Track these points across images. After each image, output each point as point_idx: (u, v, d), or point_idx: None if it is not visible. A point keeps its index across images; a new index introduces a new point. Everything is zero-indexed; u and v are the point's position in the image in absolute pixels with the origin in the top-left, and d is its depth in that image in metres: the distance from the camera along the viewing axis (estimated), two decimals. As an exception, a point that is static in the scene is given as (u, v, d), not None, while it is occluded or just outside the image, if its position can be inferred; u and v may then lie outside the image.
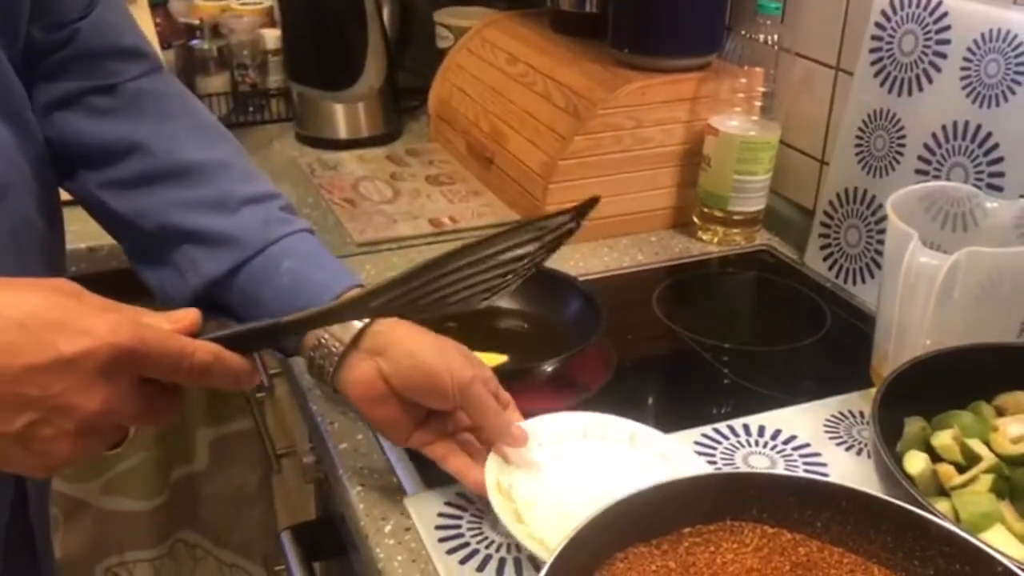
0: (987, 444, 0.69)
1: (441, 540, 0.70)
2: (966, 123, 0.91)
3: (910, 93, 0.97)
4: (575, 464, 0.73)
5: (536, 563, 0.66)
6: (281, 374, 1.19)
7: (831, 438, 0.82)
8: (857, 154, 1.04)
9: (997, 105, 0.88)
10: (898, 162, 0.99)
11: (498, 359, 0.89)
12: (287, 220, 0.74)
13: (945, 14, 0.92)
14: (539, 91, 1.23)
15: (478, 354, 0.90)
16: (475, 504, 0.73)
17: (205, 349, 0.53)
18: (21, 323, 0.44)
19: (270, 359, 1.23)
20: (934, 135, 0.94)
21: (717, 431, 0.82)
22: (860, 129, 1.03)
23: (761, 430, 0.83)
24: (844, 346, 0.98)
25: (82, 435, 0.47)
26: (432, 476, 0.77)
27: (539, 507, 0.68)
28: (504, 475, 0.70)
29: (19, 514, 0.72)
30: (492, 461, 0.70)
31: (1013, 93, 0.86)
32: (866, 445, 0.81)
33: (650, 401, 0.92)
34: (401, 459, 0.79)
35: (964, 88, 0.91)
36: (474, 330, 0.92)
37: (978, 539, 0.54)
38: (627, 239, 1.19)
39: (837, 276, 1.09)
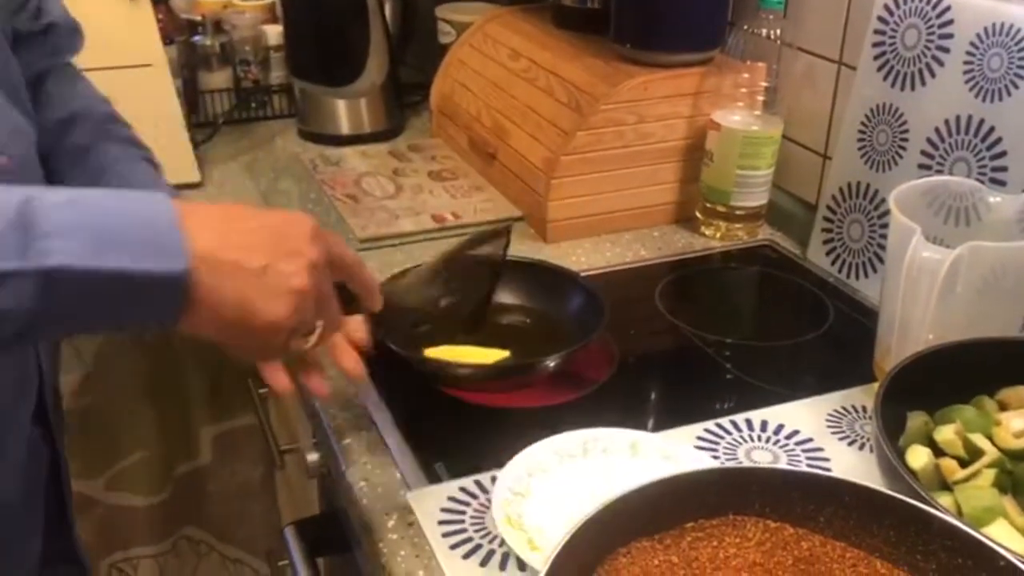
0: (990, 438, 0.69)
1: (445, 535, 0.70)
2: (969, 117, 0.91)
3: (913, 87, 0.96)
4: (580, 483, 0.73)
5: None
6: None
7: (834, 433, 0.82)
8: (860, 149, 1.04)
9: (1000, 99, 0.88)
10: (901, 157, 0.98)
11: (500, 354, 0.89)
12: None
13: (948, 8, 0.92)
14: (541, 86, 1.23)
15: (482, 350, 0.91)
16: (478, 499, 0.73)
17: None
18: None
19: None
20: (937, 129, 0.94)
21: (720, 426, 0.82)
22: (863, 124, 1.03)
23: (764, 425, 0.83)
24: (846, 341, 0.98)
25: (306, 275, 0.58)
26: (435, 471, 0.77)
27: (550, 532, 0.68)
28: (513, 507, 0.70)
29: (55, 483, 0.82)
30: (498, 496, 0.70)
31: (1016, 87, 0.86)
32: (868, 440, 0.81)
33: (652, 397, 0.92)
34: (404, 454, 0.79)
35: (967, 82, 0.91)
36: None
37: (981, 533, 0.54)
38: (629, 234, 1.19)
39: (840, 271, 1.09)
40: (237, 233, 0.57)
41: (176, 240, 0.52)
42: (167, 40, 1.49)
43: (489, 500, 0.72)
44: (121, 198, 0.53)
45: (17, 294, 0.48)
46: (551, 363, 0.87)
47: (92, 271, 0.49)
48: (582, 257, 1.13)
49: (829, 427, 0.83)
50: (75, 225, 0.50)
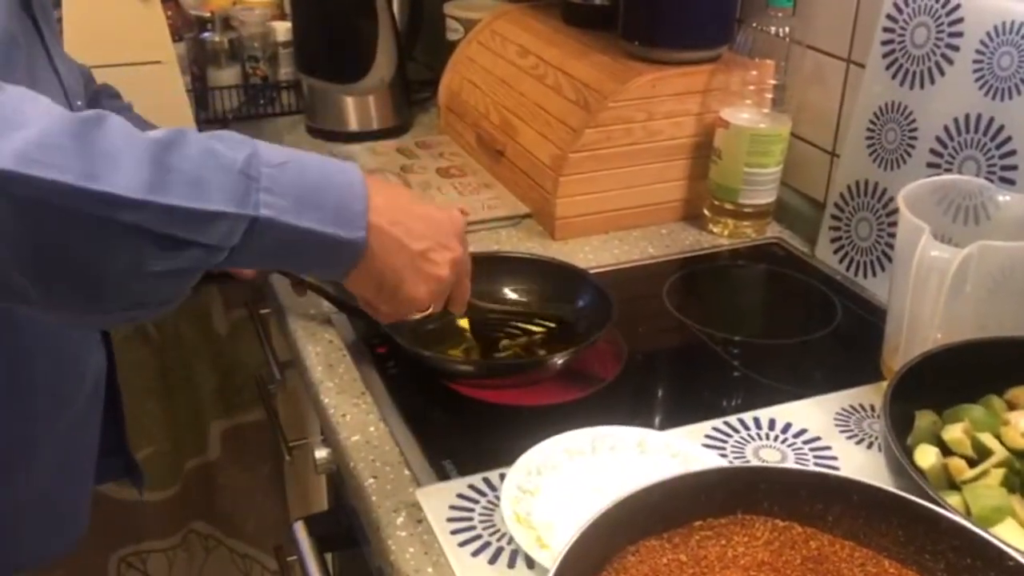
0: (998, 438, 0.69)
1: (453, 532, 0.70)
2: (978, 116, 0.91)
3: (922, 86, 0.96)
4: (589, 481, 0.73)
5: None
6: (293, 365, 1.19)
7: (842, 431, 0.82)
8: (868, 147, 1.03)
9: (1010, 98, 0.88)
10: (910, 155, 0.98)
11: (509, 351, 0.90)
12: None
13: (958, 6, 0.92)
14: (549, 83, 1.23)
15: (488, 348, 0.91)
16: (487, 496, 0.74)
17: None
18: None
19: (281, 350, 1.24)
20: (946, 128, 0.94)
21: (728, 424, 0.82)
22: (871, 122, 1.03)
23: (771, 423, 0.83)
24: (854, 339, 0.98)
25: (448, 268, 0.70)
26: (444, 468, 0.77)
27: (559, 529, 0.68)
28: (521, 505, 0.70)
29: (110, 380, 0.93)
30: (507, 494, 0.70)
31: (1026, 86, 0.86)
32: (877, 439, 0.81)
33: (660, 394, 0.92)
34: (413, 451, 0.79)
35: (977, 81, 0.91)
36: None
37: (989, 533, 0.54)
38: (637, 232, 1.19)
39: (848, 269, 1.09)
40: (406, 215, 0.67)
41: (361, 211, 0.62)
42: (176, 37, 1.49)
43: (498, 497, 0.72)
44: (324, 165, 0.62)
45: (227, 232, 0.55)
46: (559, 361, 0.87)
47: (290, 227, 0.58)
48: (590, 254, 1.14)
49: (837, 426, 0.83)
50: (285, 185, 0.58)
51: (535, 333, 0.93)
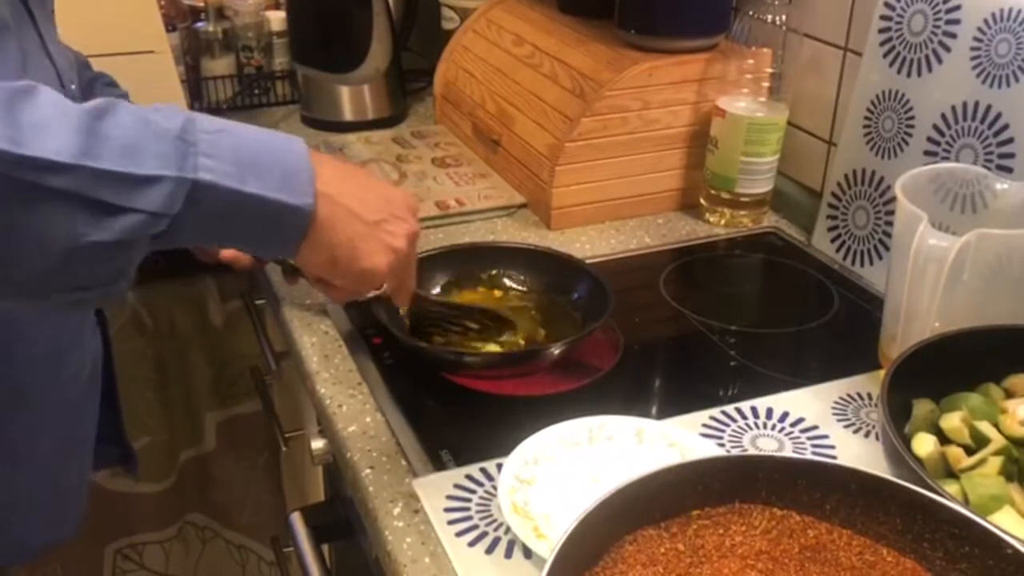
0: (996, 426, 0.69)
1: (450, 522, 0.70)
2: (976, 104, 0.91)
3: (919, 74, 0.96)
4: (586, 470, 0.73)
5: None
6: (289, 356, 1.19)
7: (839, 420, 0.82)
8: (865, 135, 1.03)
9: (1008, 85, 0.87)
10: (907, 143, 0.98)
11: (506, 342, 0.90)
12: None
13: (955, -6, 0.91)
14: (546, 73, 1.22)
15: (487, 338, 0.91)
16: (484, 487, 0.74)
17: None
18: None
19: (276, 340, 1.23)
20: (943, 116, 0.94)
21: (725, 413, 0.82)
22: (868, 110, 1.02)
23: (769, 412, 0.83)
24: (852, 328, 0.98)
25: (405, 240, 0.69)
26: (441, 459, 0.77)
27: (556, 519, 0.68)
28: (518, 494, 0.70)
29: (107, 368, 0.93)
30: (504, 483, 0.70)
31: (1024, 73, 0.86)
32: (874, 427, 0.81)
33: (657, 384, 0.92)
34: (410, 441, 0.79)
35: (974, 68, 0.90)
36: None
37: (987, 521, 0.54)
38: (634, 221, 1.19)
39: (845, 258, 1.09)
40: (356, 187, 0.66)
41: (307, 179, 0.60)
42: (170, 26, 1.48)
43: (495, 487, 0.72)
44: (267, 134, 0.61)
45: (170, 196, 0.54)
46: (556, 351, 0.87)
47: (234, 191, 0.57)
48: (586, 244, 1.13)
49: (835, 414, 0.83)
50: (225, 150, 0.57)
51: (470, 329, 0.91)
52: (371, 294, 0.73)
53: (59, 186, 0.51)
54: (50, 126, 0.51)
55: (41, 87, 0.53)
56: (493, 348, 0.90)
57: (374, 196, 0.67)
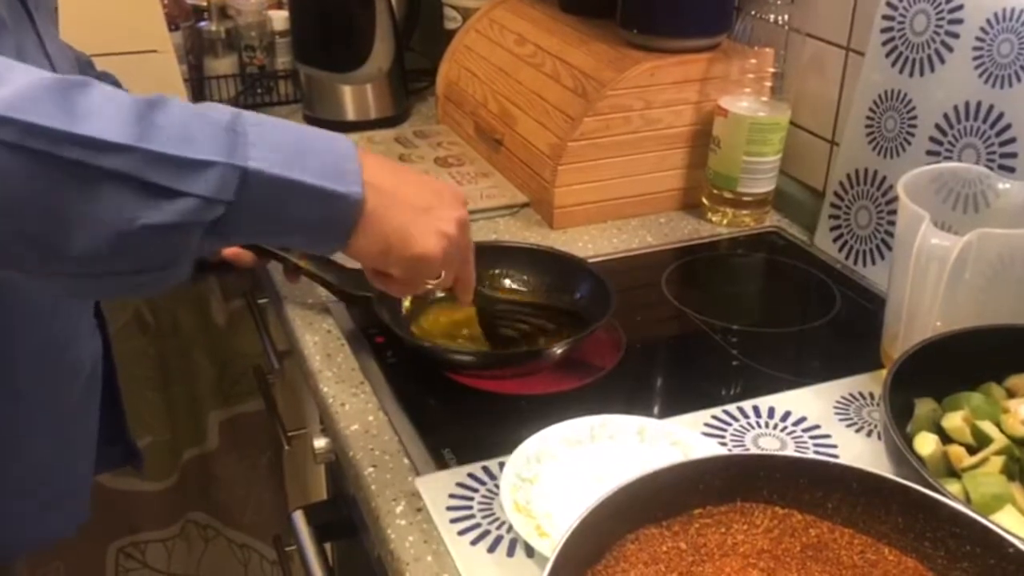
0: (998, 426, 0.69)
1: (453, 521, 0.70)
2: (978, 104, 0.91)
3: (922, 73, 0.96)
4: (588, 469, 0.73)
5: (548, 545, 0.67)
6: (291, 355, 1.19)
7: (841, 419, 0.82)
8: (868, 135, 1.03)
9: (1010, 85, 0.87)
10: (909, 143, 0.98)
11: (508, 341, 0.90)
12: None
13: (958, -7, 0.91)
14: (548, 72, 1.22)
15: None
16: (486, 485, 0.74)
17: None
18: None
19: (279, 339, 1.23)
20: (946, 116, 0.94)
21: (727, 413, 0.82)
22: (871, 110, 1.02)
23: (771, 411, 0.83)
24: (854, 327, 0.98)
25: (456, 225, 0.69)
26: (443, 457, 0.77)
27: (558, 518, 0.68)
28: (520, 493, 0.70)
29: (107, 367, 0.94)
30: (506, 482, 0.70)
31: (1026, 73, 0.86)
32: (876, 427, 0.81)
33: (659, 383, 0.92)
34: (412, 440, 0.79)
35: (976, 68, 0.90)
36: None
37: (989, 520, 0.54)
38: (636, 221, 1.19)
39: (847, 257, 1.09)
40: (402, 177, 0.66)
41: (355, 169, 0.61)
42: (172, 26, 1.48)
43: (497, 486, 0.72)
44: (310, 129, 0.61)
45: (220, 182, 0.55)
46: (558, 350, 0.87)
47: (282, 179, 0.57)
48: (588, 244, 1.13)
49: (837, 414, 0.83)
50: (273, 142, 0.57)
51: (546, 327, 0.91)
52: (430, 285, 0.72)
53: (112, 167, 0.52)
54: (104, 110, 0.52)
55: (95, 81, 0.54)
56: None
57: (422, 186, 0.68)
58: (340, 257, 0.70)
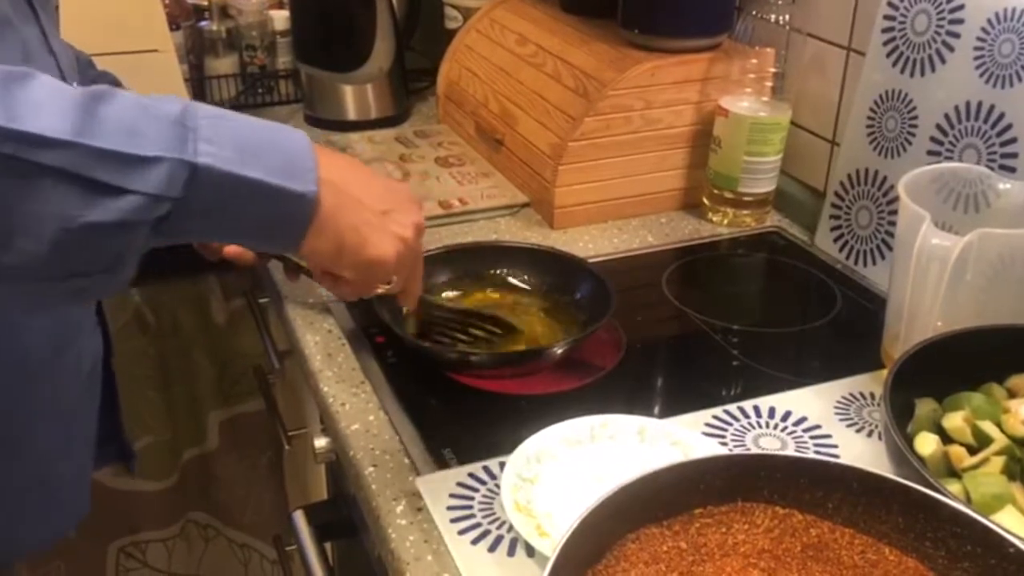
0: (998, 426, 0.69)
1: (453, 521, 0.70)
2: (979, 104, 0.90)
3: (922, 73, 0.96)
4: (588, 469, 0.73)
5: (549, 545, 0.67)
6: (292, 354, 1.19)
7: (842, 420, 0.82)
8: (868, 135, 1.03)
9: (1011, 85, 0.87)
10: (910, 143, 0.98)
11: (509, 341, 0.90)
12: None
13: (959, -7, 0.91)
14: (549, 72, 1.22)
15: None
16: (487, 485, 0.74)
17: None
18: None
19: (280, 339, 1.23)
20: (946, 116, 0.94)
21: (727, 413, 0.82)
22: (872, 110, 1.02)
23: (771, 411, 0.83)
24: (854, 327, 0.98)
25: (412, 230, 0.68)
26: (444, 457, 0.77)
27: (559, 517, 0.68)
28: (521, 493, 0.70)
29: (106, 368, 0.93)
30: (507, 482, 0.70)
31: (1027, 73, 0.86)
32: (877, 427, 0.81)
33: (660, 383, 0.92)
34: (412, 439, 0.79)
35: (977, 68, 0.90)
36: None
37: (989, 520, 0.54)
38: (637, 221, 1.19)
39: (848, 257, 1.09)
40: (359, 177, 0.66)
41: (309, 166, 0.59)
42: (173, 25, 1.48)
43: (498, 486, 0.72)
44: (263, 123, 0.59)
45: (169, 178, 0.53)
46: (559, 350, 0.87)
47: (234, 176, 0.55)
48: (589, 244, 1.13)
49: (837, 414, 0.83)
50: (225, 136, 0.55)
51: (477, 336, 0.91)
52: (379, 290, 0.71)
53: (53, 163, 0.50)
54: (46, 105, 0.51)
55: (39, 73, 0.53)
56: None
57: (378, 186, 0.67)
58: None
